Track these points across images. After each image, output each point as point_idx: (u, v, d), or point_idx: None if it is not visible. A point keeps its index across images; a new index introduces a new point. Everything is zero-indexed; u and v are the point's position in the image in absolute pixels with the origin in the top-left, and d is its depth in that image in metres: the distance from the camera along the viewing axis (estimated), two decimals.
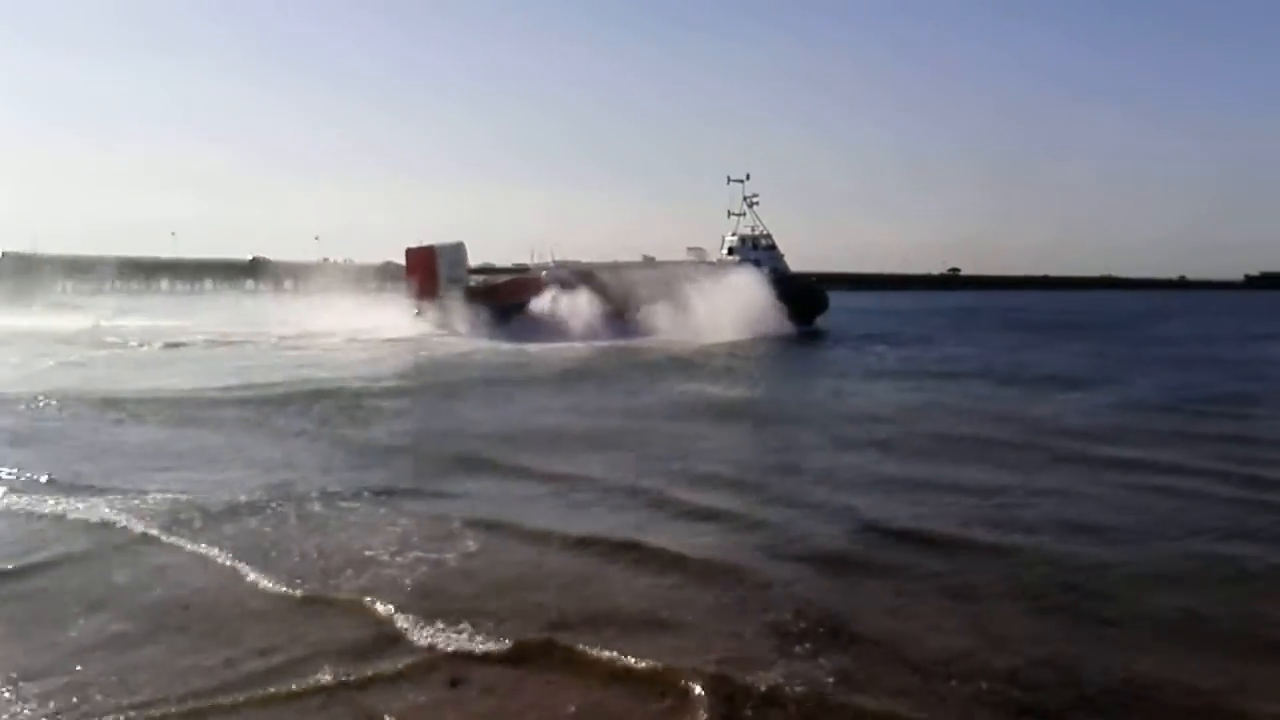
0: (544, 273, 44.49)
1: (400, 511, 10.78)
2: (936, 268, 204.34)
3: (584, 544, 9.58)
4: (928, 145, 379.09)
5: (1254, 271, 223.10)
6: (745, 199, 49.57)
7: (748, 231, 49.45)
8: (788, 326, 41.08)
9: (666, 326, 38.55)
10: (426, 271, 43.87)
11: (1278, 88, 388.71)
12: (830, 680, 6.61)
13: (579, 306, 39.87)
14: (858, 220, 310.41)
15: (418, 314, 43.65)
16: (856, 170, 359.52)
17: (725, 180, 49.61)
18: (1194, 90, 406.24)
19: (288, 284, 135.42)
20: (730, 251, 48.95)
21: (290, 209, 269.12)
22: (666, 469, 13.35)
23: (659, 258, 47.34)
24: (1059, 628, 7.66)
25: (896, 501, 11.68)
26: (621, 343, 37.06)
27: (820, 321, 48.60)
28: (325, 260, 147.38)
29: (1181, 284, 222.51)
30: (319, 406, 19.03)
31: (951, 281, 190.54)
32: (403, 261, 46.58)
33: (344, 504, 11.09)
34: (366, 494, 11.56)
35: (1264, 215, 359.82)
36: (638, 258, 47.13)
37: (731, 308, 38.72)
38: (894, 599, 8.27)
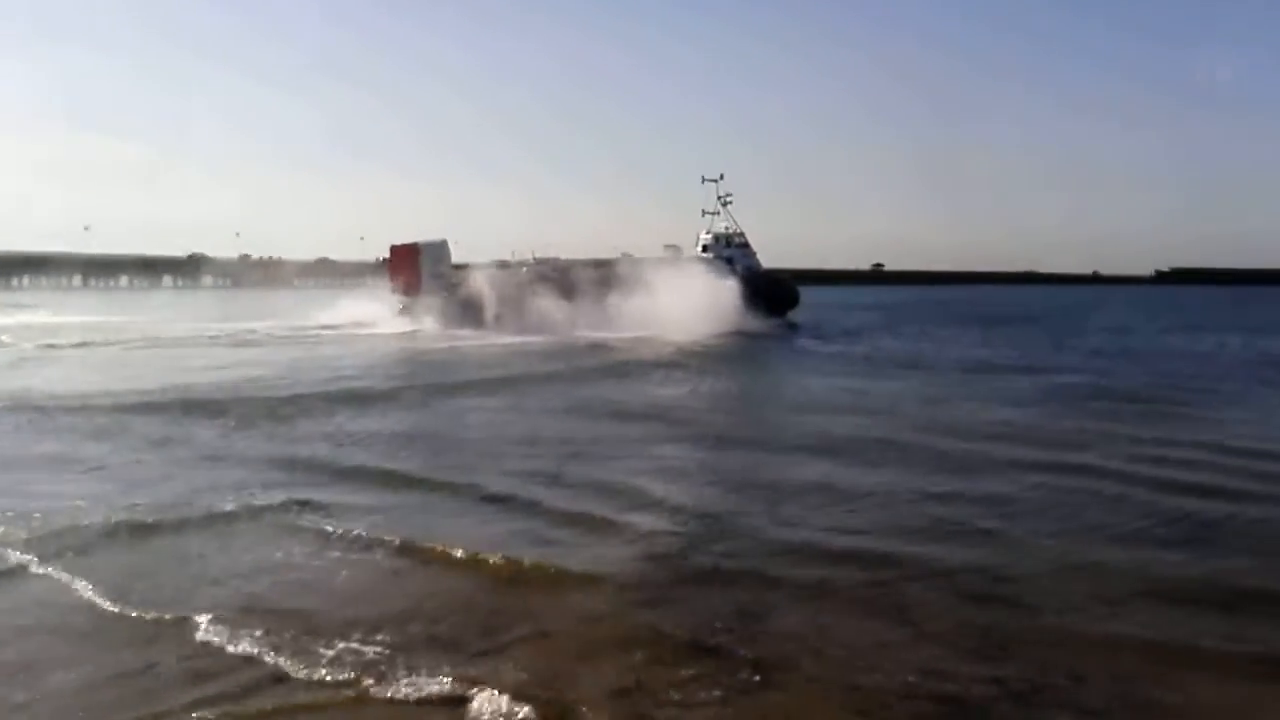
0: (524, 269, 46.10)
1: (291, 529, 10.08)
2: (860, 263, 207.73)
3: (475, 565, 8.98)
4: (851, 143, 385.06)
5: (1163, 267, 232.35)
6: (719, 198, 51.40)
7: (721, 230, 51.08)
8: (753, 322, 41.93)
9: (635, 322, 38.89)
10: (410, 268, 45.55)
11: (1190, 88, 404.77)
12: (756, 680, 6.50)
13: (550, 302, 41.34)
14: (782, 214, 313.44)
15: (402, 309, 44.79)
16: (779, 164, 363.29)
17: (700, 180, 51.82)
18: (1106, 87, 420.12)
19: (206, 280, 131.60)
20: (704, 249, 50.27)
21: (209, 205, 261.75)
22: (580, 478, 12.67)
23: (636, 255, 48.41)
24: (978, 621, 7.65)
25: (815, 508, 11.39)
26: (591, 336, 37.29)
27: (791, 315, 50.14)
28: (246, 257, 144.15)
29: (1096, 279, 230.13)
30: (236, 412, 17.82)
31: (877, 277, 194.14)
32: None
33: (237, 522, 10.34)
34: (268, 509, 10.80)
35: (1171, 213, 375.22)
36: (617, 255, 48.21)
37: (698, 304, 39.62)
38: (811, 599, 8.17)
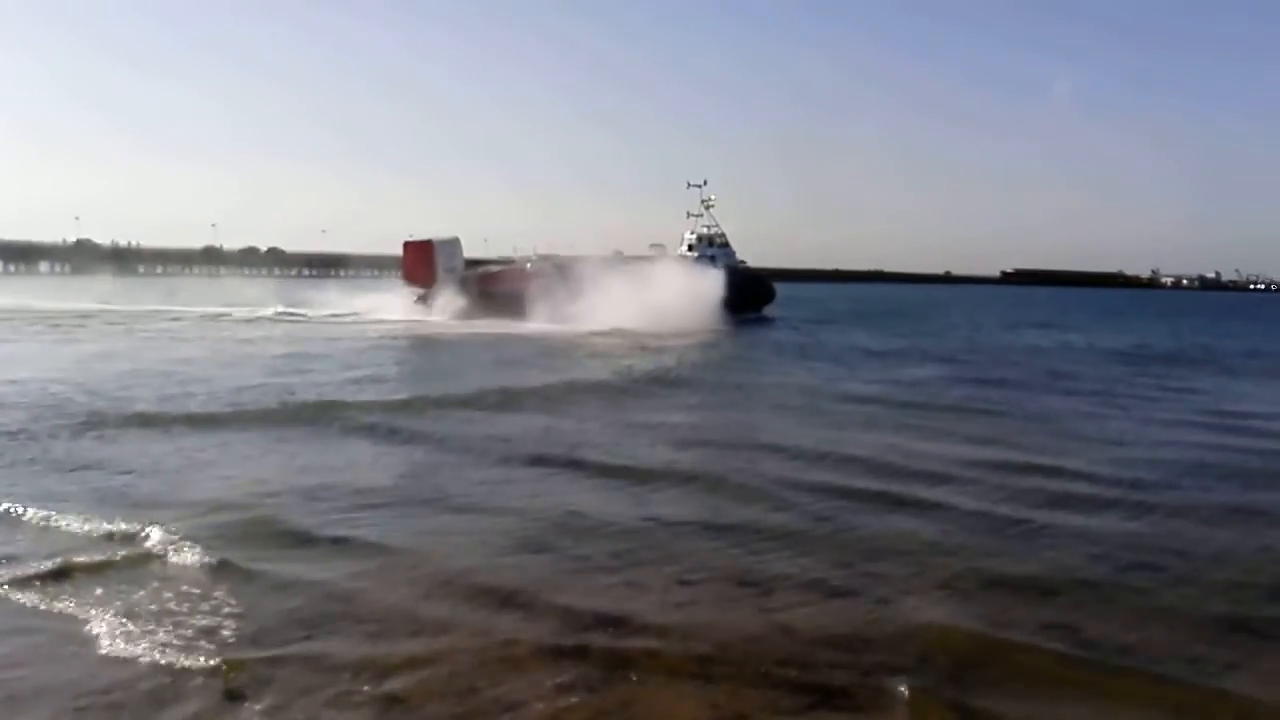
0: (528, 264, 49.80)
1: None
2: None
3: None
4: (708, 140, 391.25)
5: (1008, 268, 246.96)
6: (703, 201, 54.86)
7: (705, 231, 54.32)
8: (727, 318, 44.13)
9: (627, 314, 39.87)
10: (424, 263, 48.76)
11: (1026, 95, 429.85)
12: (616, 674, 6.35)
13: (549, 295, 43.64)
14: (639, 208, 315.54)
15: (416, 301, 48.14)
16: (639, 156, 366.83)
17: (685, 185, 55.15)
18: (957, 91, 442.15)
19: (42, 266, 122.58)
20: (690, 249, 53.47)
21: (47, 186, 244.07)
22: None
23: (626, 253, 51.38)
24: (839, 614, 7.73)
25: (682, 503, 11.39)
26: (585, 326, 38.67)
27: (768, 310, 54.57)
28: (87, 241, 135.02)
29: (947, 278, 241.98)
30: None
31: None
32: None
33: None
34: None
35: (1017, 216, 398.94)
36: (609, 253, 50.17)
37: (685, 299, 41.92)
38: (675, 599, 8.06)
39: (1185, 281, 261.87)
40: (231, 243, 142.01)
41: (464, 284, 48.38)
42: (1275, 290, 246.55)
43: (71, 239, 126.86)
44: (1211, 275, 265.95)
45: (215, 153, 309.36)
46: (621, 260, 48.19)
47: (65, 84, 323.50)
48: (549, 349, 30.88)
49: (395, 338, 36.21)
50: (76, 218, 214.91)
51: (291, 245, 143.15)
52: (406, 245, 50.24)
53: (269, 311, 47.35)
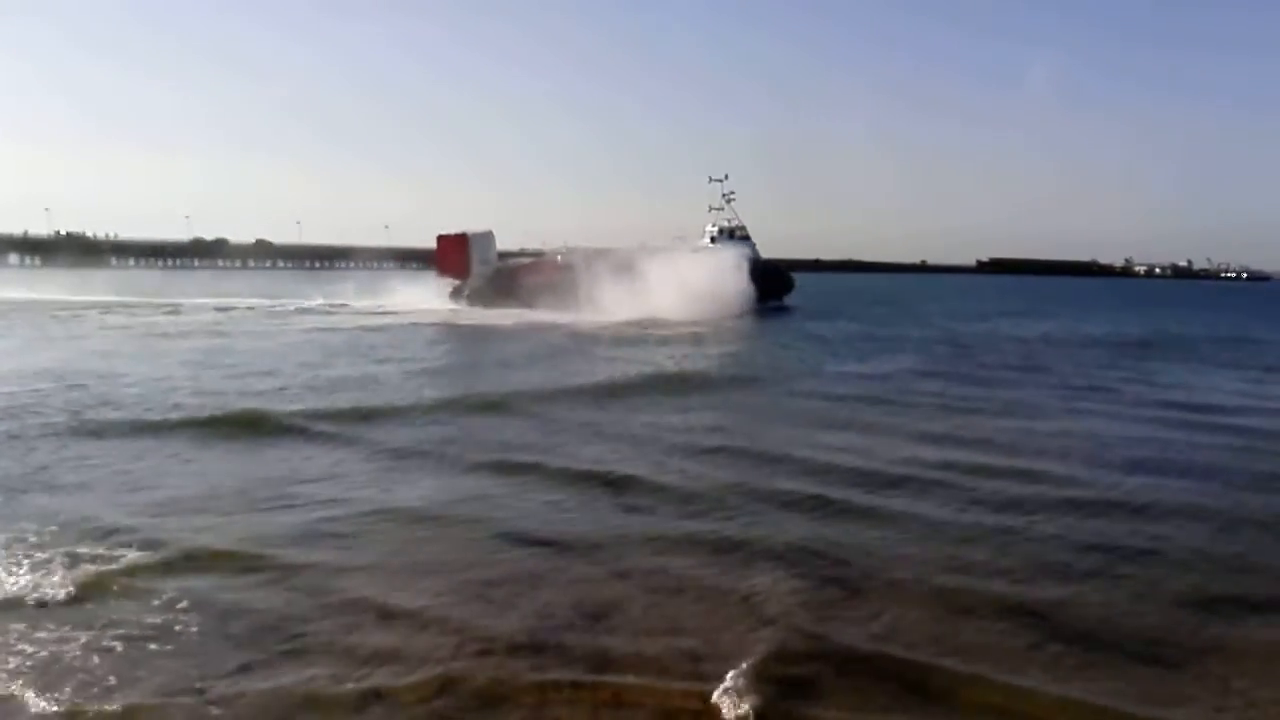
0: (559, 256, 51.10)
1: None
2: None
3: None
4: (691, 133, 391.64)
5: (984, 257, 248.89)
6: (724, 195, 56.81)
7: (725, 224, 56.23)
8: (754, 304, 47.47)
9: (656, 302, 41.90)
10: (459, 256, 50.46)
11: (1003, 85, 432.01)
12: (601, 666, 6.49)
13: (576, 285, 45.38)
14: (622, 200, 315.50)
15: (452, 293, 49.99)
16: (624, 151, 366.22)
17: (706, 179, 56.75)
18: (935, 81, 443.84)
19: (11, 258, 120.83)
20: (711, 241, 55.41)
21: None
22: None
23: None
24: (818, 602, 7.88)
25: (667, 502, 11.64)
26: (619, 315, 40.64)
27: (788, 299, 57.18)
28: (73, 234, 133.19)
29: (924, 268, 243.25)
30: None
31: None
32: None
33: None
34: None
35: (993, 206, 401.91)
36: (636, 244, 51.69)
37: (713, 288, 44.18)
38: (659, 589, 8.20)
39: (1158, 270, 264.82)
40: (204, 234, 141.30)
41: (497, 275, 50.21)
42: (1245, 279, 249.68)
43: (37, 231, 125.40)
44: (1184, 264, 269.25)
45: (186, 144, 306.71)
46: (649, 252, 49.03)
47: (42, 75, 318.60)
48: (573, 340, 31.80)
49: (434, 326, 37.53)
50: (46, 209, 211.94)
51: (265, 236, 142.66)
52: (441, 239, 51.61)
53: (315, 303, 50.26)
